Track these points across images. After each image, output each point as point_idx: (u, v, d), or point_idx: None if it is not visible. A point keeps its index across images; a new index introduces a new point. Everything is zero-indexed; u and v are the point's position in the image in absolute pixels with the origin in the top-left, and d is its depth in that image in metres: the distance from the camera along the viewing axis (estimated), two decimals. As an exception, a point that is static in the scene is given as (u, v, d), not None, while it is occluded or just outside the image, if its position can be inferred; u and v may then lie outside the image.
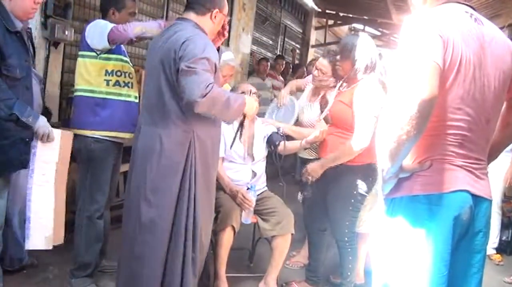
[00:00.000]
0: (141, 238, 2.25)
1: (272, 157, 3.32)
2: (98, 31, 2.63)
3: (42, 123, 2.39)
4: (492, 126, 1.69)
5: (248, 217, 3.00)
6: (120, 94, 2.76)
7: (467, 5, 1.66)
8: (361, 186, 2.81)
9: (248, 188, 3.03)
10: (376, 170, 2.65)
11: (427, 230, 1.56)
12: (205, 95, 2.04)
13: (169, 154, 2.23)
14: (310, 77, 3.71)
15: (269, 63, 6.89)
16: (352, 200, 2.82)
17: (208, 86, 2.05)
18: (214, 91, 2.07)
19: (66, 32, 3.48)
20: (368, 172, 2.78)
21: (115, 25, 2.60)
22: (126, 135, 2.78)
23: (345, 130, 2.82)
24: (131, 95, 2.81)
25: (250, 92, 3.09)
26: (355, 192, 2.81)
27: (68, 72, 3.80)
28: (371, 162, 2.69)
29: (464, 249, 1.64)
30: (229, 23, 6.13)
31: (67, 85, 3.74)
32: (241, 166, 3.14)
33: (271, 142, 3.22)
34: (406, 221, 1.60)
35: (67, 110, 2.90)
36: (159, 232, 2.24)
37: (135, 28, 2.57)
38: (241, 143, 3.10)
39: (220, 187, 3.04)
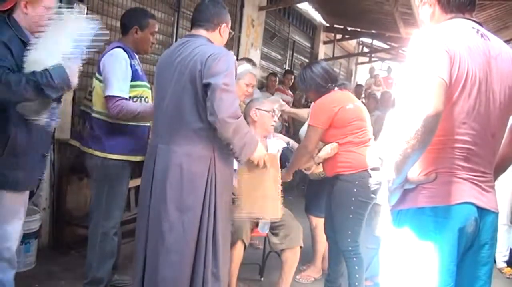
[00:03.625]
0: (167, 260, 2.22)
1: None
2: (108, 80, 2.64)
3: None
4: (498, 140, 1.71)
5: (265, 227, 3.00)
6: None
7: (473, 21, 1.69)
8: (359, 193, 2.86)
9: None
10: (371, 177, 2.80)
11: (433, 242, 1.58)
12: (236, 118, 2.13)
13: (190, 172, 2.21)
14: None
15: (277, 78, 6.94)
16: (352, 207, 2.86)
17: (238, 109, 2.15)
18: (242, 119, 2.18)
19: (78, 50, 3.54)
20: (363, 179, 2.86)
21: (118, 99, 2.61)
22: (137, 158, 2.80)
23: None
24: None
25: (273, 111, 3.19)
26: (353, 199, 2.86)
27: (79, 89, 3.86)
28: (365, 169, 2.87)
29: (470, 262, 1.66)
30: (238, 39, 6.20)
31: (79, 102, 3.79)
32: None
33: (284, 159, 3.25)
34: (412, 233, 1.62)
35: (79, 124, 2.92)
36: (185, 252, 2.22)
37: (133, 113, 2.64)
38: None
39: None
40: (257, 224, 3.09)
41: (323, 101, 2.95)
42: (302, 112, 4.06)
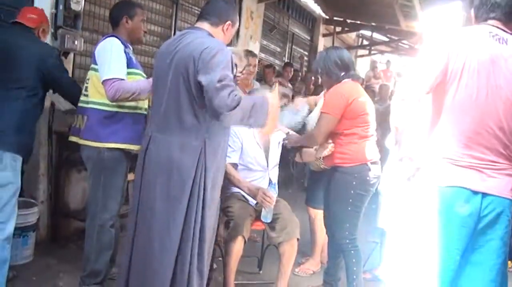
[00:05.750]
0: (150, 251, 2.22)
1: (288, 164, 3.37)
2: (104, 65, 2.65)
3: None
4: (508, 134, 1.85)
5: (268, 215, 2.98)
6: (131, 107, 2.77)
7: (499, 28, 1.90)
8: (358, 186, 2.87)
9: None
10: (370, 170, 2.88)
11: (431, 217, 1.86)
12: (233, 108, 2.08)
13: (180, 162, 2.21)
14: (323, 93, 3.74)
15: (273, 70, 6.88)
16: (350, 200, 2.87)
17: (235, 98, 2.08)
18: (241, 102, 2.10)
19: (76, 42, 3.53)
20: (363, 172, 2.88)
21: (114, 81, 2.60)
22: (136, 147, 2.77)
23: (334, 137, 2.94)
24: (142, 107, 2.82)
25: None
26: (352, 192, 2.87)
27: (78, 81, 3.82)
28: (364, 162, 2.88)
29: (475, 239, 1.87)
30: (237, 31, 6.17)
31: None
32: (260, 174, 3.14)
33: (286, 154, 3.26)
34: (418, 210, 1.92)
35: (77, 119, 2.91)
36: (168, 242, 2.20)
37: (130, 90, 2.62)
38: (261, 149, 3.13)
39: (232, 195, 3.05)
40: (256, 218, 3.09)
41: (339, 90, 2.91)
42: (310, 100, 4.04)
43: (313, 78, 7.41)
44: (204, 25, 2.36)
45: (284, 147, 3.27)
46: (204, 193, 2.25)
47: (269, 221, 3.01)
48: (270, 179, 3.19)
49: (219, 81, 2.08)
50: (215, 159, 2.30)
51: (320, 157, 3.05)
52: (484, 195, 1.81)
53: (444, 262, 1.85)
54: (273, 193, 2.99)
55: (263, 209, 2.99)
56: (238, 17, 2.46)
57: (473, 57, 1.81)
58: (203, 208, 2.25)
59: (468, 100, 1.82)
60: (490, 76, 1.80)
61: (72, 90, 2.94)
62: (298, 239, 3.03)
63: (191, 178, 2.21)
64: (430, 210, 1.88)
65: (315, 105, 3.90)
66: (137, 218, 2.30)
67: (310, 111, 3.93)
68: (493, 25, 1.89)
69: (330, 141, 2.94)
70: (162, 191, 2.22)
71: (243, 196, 3.11)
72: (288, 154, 3.31)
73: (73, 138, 2.88)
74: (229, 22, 2.39)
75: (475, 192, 1.81)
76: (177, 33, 2.37)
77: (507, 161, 1.85)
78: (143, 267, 2.25)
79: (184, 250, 2.22)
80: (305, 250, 3.74)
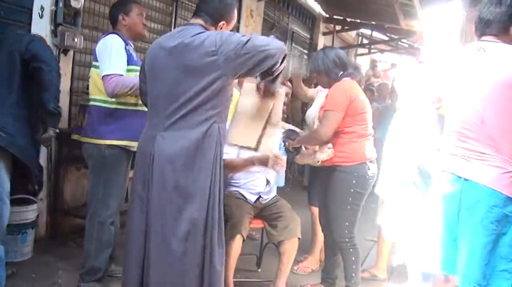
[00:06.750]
0: (181, 251, 2.15)
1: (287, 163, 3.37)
2: (104, 61, 2.68)
3: None
4: (492, 127, 2.08)
5: (280, 179, 2.98)
6: (133, 104, 2.78)
7: (489, 41, 2.15)
8: (357, 184, 2.89)
9: None
10: (369, 169, 2.94)
11: (435, 198, 2.34)
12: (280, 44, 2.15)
13: (200, 156, 2.15)
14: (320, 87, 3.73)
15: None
16: (350, 199, 2.89)
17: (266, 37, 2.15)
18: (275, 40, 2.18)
19: (76, 40, 3.53)
20: (362, 170, 2.91)
21: (113, 76, 2.62)
22: (135, 145, 2.77)
23: (334, 136, 2.93)
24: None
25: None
26: (352, 191, 2.89)
27: (77, 79, 3.85)
28: (363, 161, 2.92)
29: (459, 222, 2.15)
30: (237, 29, 6.17)
31: (76, 91, 3.78)
32: (257, 175, 3.13)
33: (287, 155, 3.27)
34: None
35: (79, 117, 2.92)
36: (198, 240, 2.16)
37: (129, 85, 2.64)
38: (258, 152, 3.10)
39: (229, 194, 3.05)
40: (255, 216, 3.08)
41: (341, 87, 2.93)
42: (311, 92, 4.04)
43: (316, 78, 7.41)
44: (198, 21, 2.30)
45: (285, 148, 3.26)
46: (220, 186, 2.21)
47: (282, 185, 2.99)
48: (266, 183, 3.17)
49: (244, 40, 2.08)
50: (224, 143, 2.28)
51: (318, 161, 3.04)
52: (466, 180, 2.11)
53: (442, 237, 2.27)
54: (283, 156, 3.00)
55: (275, 174, 2.99)
56: (235, 14, 2.39)
57: (457, 70, 2.23)
58: (219, 197, 2.21)
59: (455, 103, 2.24)
60: (470, 80, 2.14)
61: (51, 79, 2.59)
62: (299, 239, 3.04)
63: (210, 172, 2.17)
64: (435, 192, 2.34)
65: (306, 96, 3.90)
66: (147, 223, 2.22)
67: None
68: (485, 40, 2.17)
69: (330, 145, 2.93)
70: (182, 187, 2.15)
71: (241, 195, 3.12)
72: (289, 156, 3.29)
73: (75, 136, 2.89)
74: (223, 22, 2.31)
75: (458, 177, 2.14)
76: (174, 29, 2.33)
77: (494, 153, 2.07)
78: (168, 268, 2.18)
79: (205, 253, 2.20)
80: (304, 248, 3.74)
